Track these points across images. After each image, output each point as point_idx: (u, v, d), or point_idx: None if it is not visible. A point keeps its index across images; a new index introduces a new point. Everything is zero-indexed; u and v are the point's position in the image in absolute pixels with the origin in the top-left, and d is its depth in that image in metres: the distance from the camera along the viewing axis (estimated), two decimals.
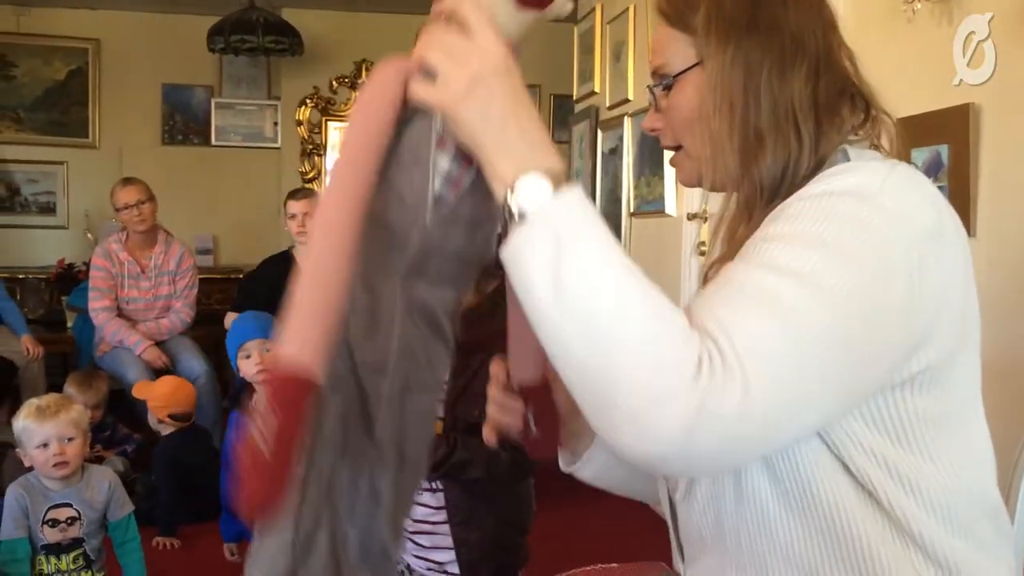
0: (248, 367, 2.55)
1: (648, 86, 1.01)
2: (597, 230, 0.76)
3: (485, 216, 0.86)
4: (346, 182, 0.82)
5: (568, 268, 0.74)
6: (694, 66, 0.94)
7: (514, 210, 0.77)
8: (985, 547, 0.90)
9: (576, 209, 0.77)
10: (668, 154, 3.30)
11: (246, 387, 2.61)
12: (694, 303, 0.80)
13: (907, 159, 0.94)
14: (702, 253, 3.33)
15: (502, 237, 0.81)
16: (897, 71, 2.10)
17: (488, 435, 1.07)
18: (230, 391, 2.68)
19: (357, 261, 0.83)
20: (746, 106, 0.90)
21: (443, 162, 0.85)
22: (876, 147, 0.94)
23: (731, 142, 0.91)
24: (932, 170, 1.93)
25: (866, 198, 0.81)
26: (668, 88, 0.97)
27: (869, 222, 0.80)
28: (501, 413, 1.04)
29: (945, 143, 1.89)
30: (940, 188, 1.91)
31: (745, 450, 0.76)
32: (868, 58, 2.33)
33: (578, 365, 0.75)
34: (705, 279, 0.98)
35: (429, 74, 0.81)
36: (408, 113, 0.84)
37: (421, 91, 0.81)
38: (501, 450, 1.33)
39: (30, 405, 2.27)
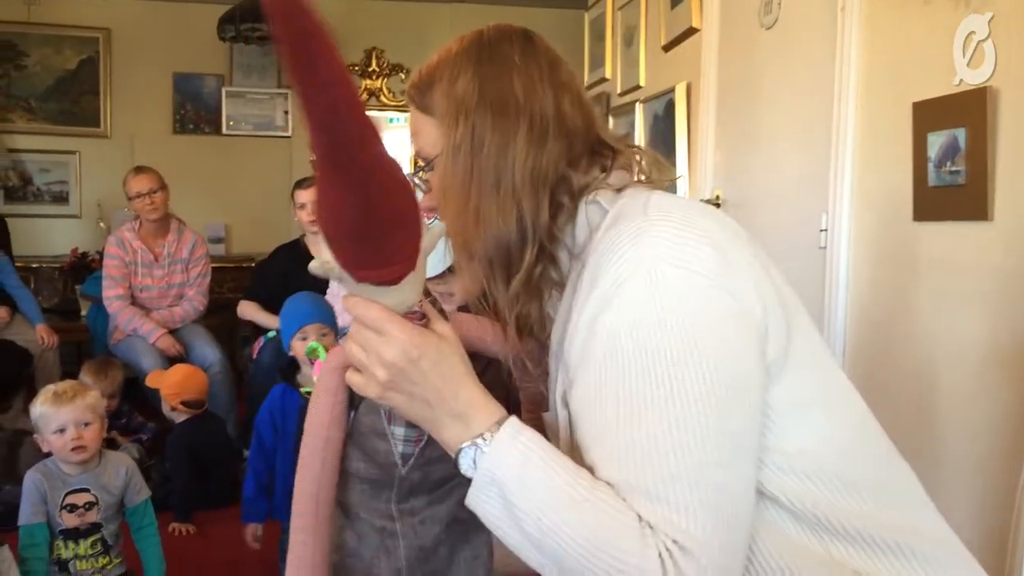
0: (303, 349, 2.60)
1: (412, 172, 1.03)
2: (534, 469, 0.82)
3: None
4: (309, 480, 0.99)
5: (521, 517, 0.82)
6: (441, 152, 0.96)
7: (462, 472, 0.86)
8: (884, 504, 0.91)
9: (508, 458, 0.83)
10: (680, 140, 3.33)
11: (294, 363, 2.67)
12: (607, 479, 0.82)
13: (664, 180, 0.99)
14: None
15: None
16: (913, 54, 2.09)
17: None
18: (280, 364, 2.73)
19: (350, 506, 1.04)
20: (467, 188, 0.93)
21: (399, 431, 1.00)
22: (635, 170, 0.97)
23: (457, 223, 0.94)
24: (949, 154, 1.92)
25: (651, 281, 0.82)
26: (430, 169, 0.99)
27: (672, 308, 0.81)
28: None
29: (963, 126, 1.88)
30: (956, 172, 1.90)
31: None
32: (883, 41, 2.32)
33: None
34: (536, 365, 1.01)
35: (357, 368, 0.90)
36: (357, 395, 0.96)
37: (354, 384, 0.90)
38: None
39: (47, 391, 2.29)
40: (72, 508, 2.22)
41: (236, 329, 5.03)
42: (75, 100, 5.82)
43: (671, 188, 1.01)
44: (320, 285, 3.77)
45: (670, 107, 3.57)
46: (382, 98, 6.06)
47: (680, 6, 3.50)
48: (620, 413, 0.81)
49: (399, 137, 6.08)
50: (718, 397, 0.80)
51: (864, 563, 0.88)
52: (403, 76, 6.05)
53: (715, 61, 3.27)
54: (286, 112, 6.04)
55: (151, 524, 2.36)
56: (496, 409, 0.87)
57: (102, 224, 5.63)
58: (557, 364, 0.95)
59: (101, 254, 4.42)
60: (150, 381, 3.59)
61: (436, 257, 1.57)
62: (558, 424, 0.96)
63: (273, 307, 3.91)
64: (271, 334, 3.81)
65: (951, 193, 1.93)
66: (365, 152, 0.79)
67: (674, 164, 3.56)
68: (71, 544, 2.23)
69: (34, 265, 5.31)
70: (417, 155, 1.02)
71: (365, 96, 6.04)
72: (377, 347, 0.86)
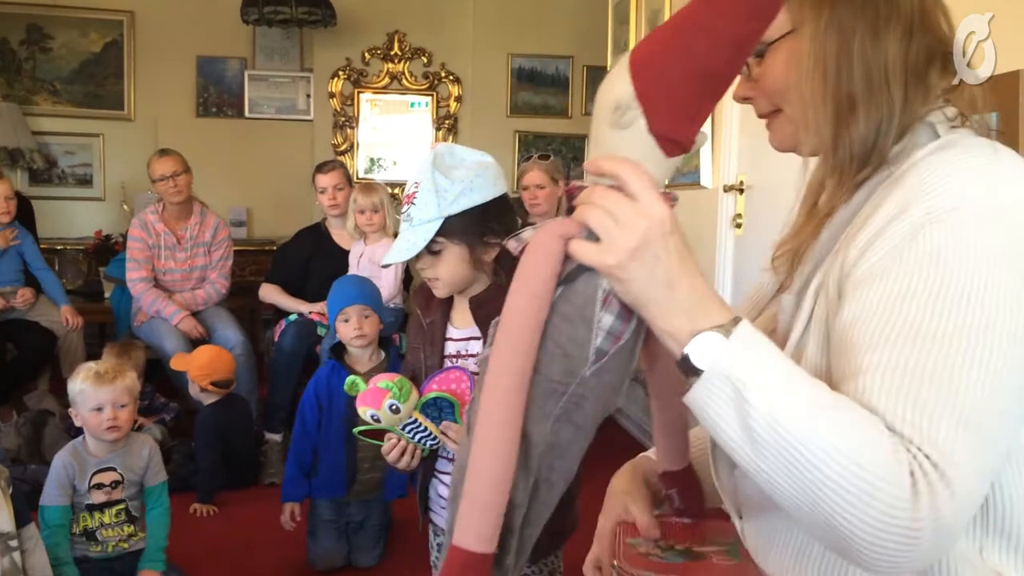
0: (347, 331, 2.62)
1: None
2: (773, 369, 0.78)
3: (629, 363, 0.90)
4: (518, 353, 0.87)
5: (755, 418, 0.76)
6: (788, 33, 0.92)
7: (691, 364, 0.80)
8: None
9: (749, 355, 0.79)
10: (704, 125, 3.24)
11: (340, 344, 2.70)
12: (867, 386, 0.78)
13: (987, 127, 0.92)
14: (738, 225, 3.29)
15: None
16: None
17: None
18: (333, 348, 2.75)
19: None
20: (839, 72, 0.89)
21: (607, 319, 0.88)
22: (963, 116, 0.92)
23: (824, 108, 0.91)
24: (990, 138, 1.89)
25: (997, 216, 0.79)
26: (760, 56, 0.95)
27: (1012, 247, 0.78)
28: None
29: (994, 111, 1.84)
30: None
31: (961, 528, 0.78)
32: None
33: (794, 504, 0.78)
34: (791, 256, 0.99)
35: (593, 236, 0.83)
36: (571, 272, 0.88)
37: (584, 253, 0.83)
38: None
39: (88, 369, 2.32)
40: (100, 486, 2.26)
41: (258, 312, 5.06)
42: (100, 83, 5.85)
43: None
44: (339, 270, 3.78)
45: None
46: (404, 82, 6.04)
47: None
48: (917, 330, 0.77)
49: (421, 121, 6.07)
50: None
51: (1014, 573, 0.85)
52: (425, 59, 6.04)
53: None
54: (308, 95, 6.05)
55: (163, 506, 2.40)
56: (730, 309, 0.83)
57: (126, 207, 5.67)
58: (823, 254, 0.92)
59: (125, 236, 4.45)
60: (175, 363, 3.59)
61: (406, 245, 1.56)
62: (797, 313, 0.93)
63: (294, 290, 3.94)
64: (293, 317, 3.83)
65: None
66: None
67: (698, 149, 3.52)
68: (96, 514, 2.28)
69: (58, 247, 5.35)
70: None
71: (387, 80, 6.03)
72: (631, 212, 0.81)
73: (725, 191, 3.30)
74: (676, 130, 0.83)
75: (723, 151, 3.34)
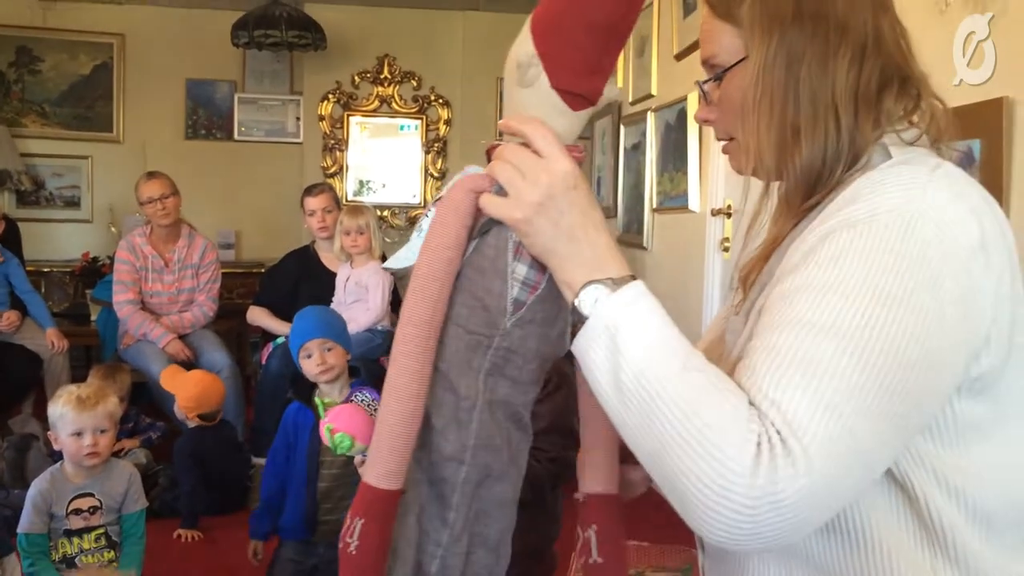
0: (310, 367, 2.47)
1: (697, 81, 0.99)
2: (653, 327, 0.80)
3: (557, 314, 0.92)
4: (425, 303, 0.90)
5: (625, 368, 0.79)
6: (741, 60, 0.92)
7: (580, 312, 0.83)
8: (1017, 553, 0.88)
9: (632, 309, 0.81)
10: (692, 149, 3.31)
11: (306, 381, 2.56)
12: (744, 367, 0.79)
13: (952, 150, 0.93)
14: (726, 249, 3.30)
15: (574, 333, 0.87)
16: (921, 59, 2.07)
17: None
18: (294, 382, 2.64)
19: (440, 362, 0.93)
20: (785, 101, 0.89)
21: (520, 269, 0.92)
22: (927, 134, 0.91)
23: (768, 137, 0.91)
24: (963, 166, 1.89)
25: (908, 226, 0.79)
26: (719, 80, 0.96)
27: (913, 256, 0.78)
28: None
29: (977, 138, 1.86)
30: None
31: (813, 522, 0.76)
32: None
33: (647, 457, 0.80)
34: (742, 281, 0.99)
35: (503, 191, 0.87)
36: (484, 225, 0.91)
37: (493, 207, 0.87)
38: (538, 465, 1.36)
39: (70, 392, 2.29)
40: (78, 511, 2.24)
41: (245, 335, 5.04)
42: (89, 105, 5.85)
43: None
44: (327, 292, 3.77)
45: (682, 116, 3.56)
46: (393, 105, 6.06)
47: (693, 15, 3.49)
48: (799, 319, 0.78)
49: (411, 145, 6.09)
50: (910, 356, 0.76)
51: None
52: (414, 83, 6.06)
53: None
54: (298, 118, 6.06)
55: (139, 534, 2.37)
56: (628, 268, 0.85)
57: (113, 229, 5.65)
58: (768, 278, 0.92)
59: (112, 259, 4.43)
60: (165, 380, 3.47)
61: (407, 251, 1.55)
62: (736, 337, 0.93)
63: (282, 313, 3.92)
64: (280, 340, 3.81)
65: None
66: None
67: (686, 173, 3.54)
68: (76, 540, 2.25)
69: (45, 269, 5.33)
70: (706, 62, 0.98)
71: (377, 103, 6.05)
72: (537, 168, 0.84)
73: (713, 215, 3.31)
74: (577, 83, 0.85)
75: (710, 175, 3.36)
